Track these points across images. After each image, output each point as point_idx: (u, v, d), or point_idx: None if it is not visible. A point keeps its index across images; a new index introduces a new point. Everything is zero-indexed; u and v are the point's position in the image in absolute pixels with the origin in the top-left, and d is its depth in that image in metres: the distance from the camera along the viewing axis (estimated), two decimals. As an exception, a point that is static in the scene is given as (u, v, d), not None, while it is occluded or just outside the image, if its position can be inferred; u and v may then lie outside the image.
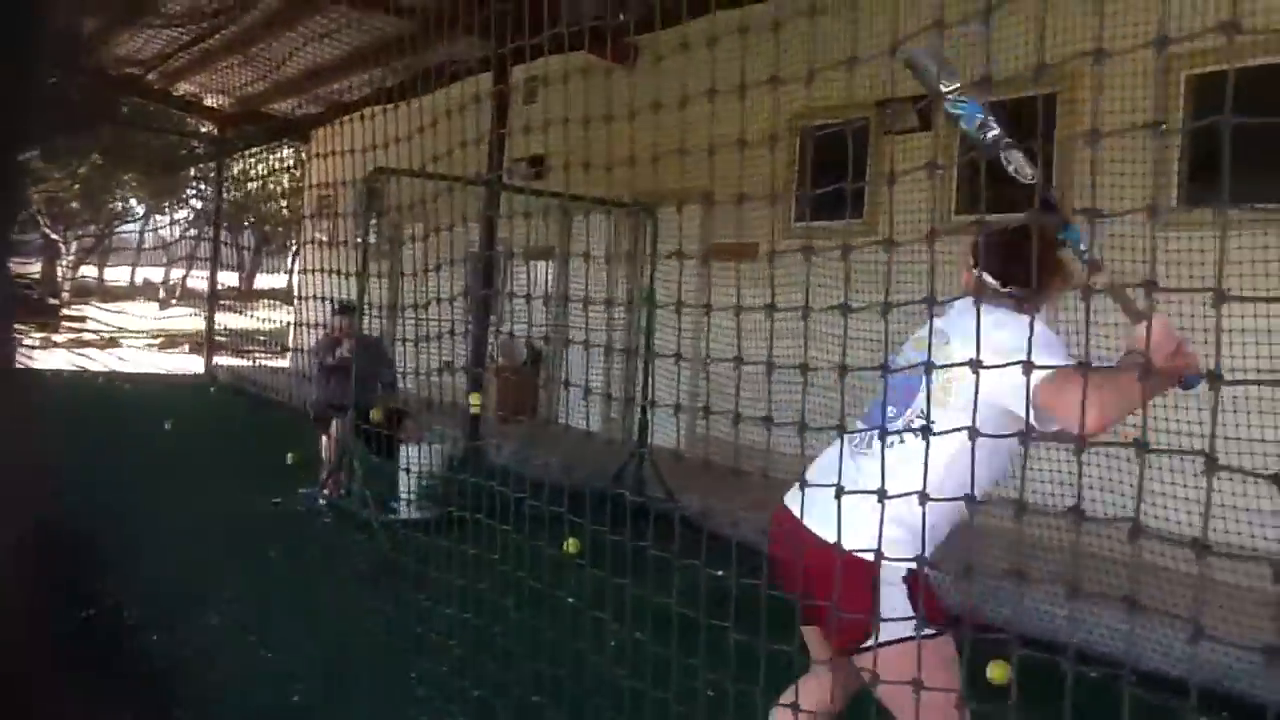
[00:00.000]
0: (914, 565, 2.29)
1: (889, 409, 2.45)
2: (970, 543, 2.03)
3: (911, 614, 2.26)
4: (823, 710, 2.57)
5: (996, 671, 3.76)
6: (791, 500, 2.47)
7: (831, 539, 2.18)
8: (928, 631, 2.24)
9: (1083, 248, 2.39)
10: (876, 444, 2.36)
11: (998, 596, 4.45)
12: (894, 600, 2.29)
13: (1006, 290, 2.51)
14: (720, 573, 2.20)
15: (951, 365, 2.16)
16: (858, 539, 2.15)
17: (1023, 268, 2.45)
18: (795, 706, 2.29)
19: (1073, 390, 1.92)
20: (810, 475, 2.41)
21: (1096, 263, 2.32)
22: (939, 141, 7.56)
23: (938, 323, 2.44)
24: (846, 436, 2.38)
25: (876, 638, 2.17)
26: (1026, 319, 2.02)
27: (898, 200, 7.40)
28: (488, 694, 2.98)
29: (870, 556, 2.11)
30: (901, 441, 2.36)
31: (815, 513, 2.35)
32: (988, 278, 2.54)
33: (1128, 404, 2.08)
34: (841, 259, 2.07)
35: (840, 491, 2.10)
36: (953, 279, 2.71)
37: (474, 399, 7.98)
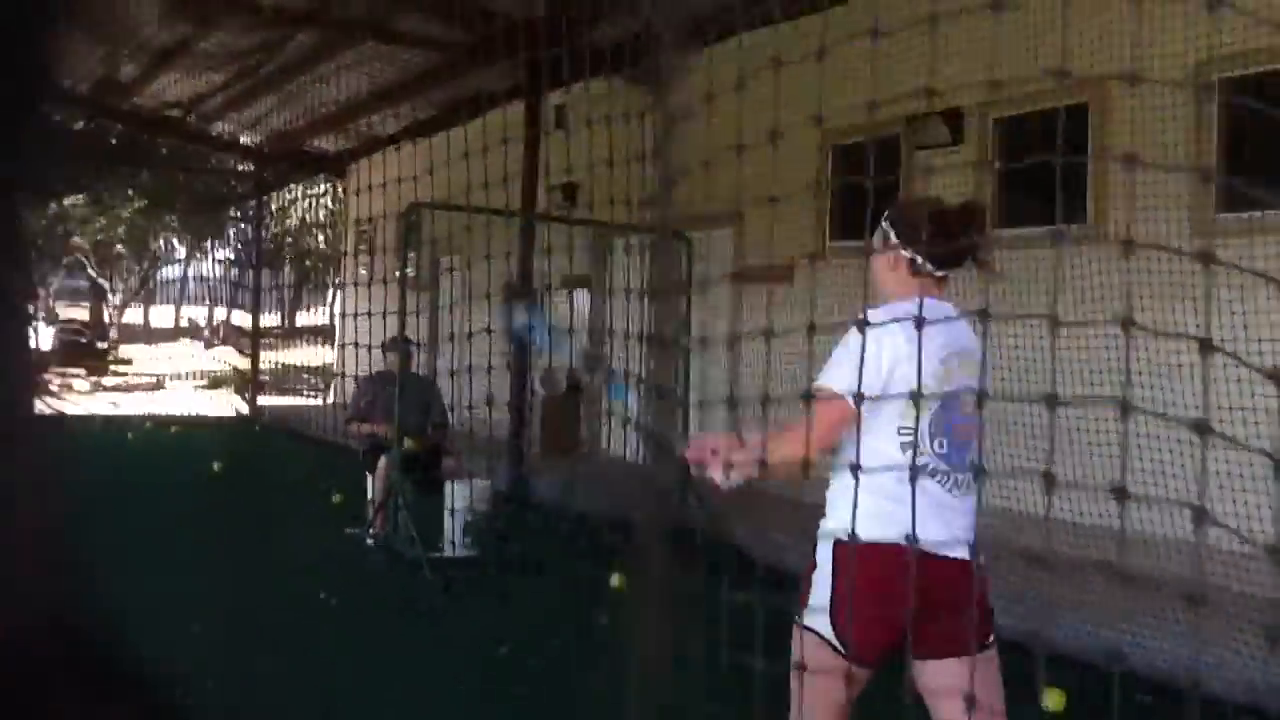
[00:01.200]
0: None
1: (973, 445, 2.42)
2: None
3: None
4: None
5: (1052, 699, 3.70)
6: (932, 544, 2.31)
7: (967, 556, 2.32)
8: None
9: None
10: (971, 484, 2.39)
11: (1057, 620, 4.38)
12: None
13: (941, 274, 2.47)
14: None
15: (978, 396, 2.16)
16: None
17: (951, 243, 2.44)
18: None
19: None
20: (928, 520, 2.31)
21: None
22: (971, 154, 7.51)
23: (961, 339, 2.43)
24: (928, 478, 2.36)
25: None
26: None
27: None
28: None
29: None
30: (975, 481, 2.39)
31: (957, 546, 2.34)
32: (920, 259, 2.46)
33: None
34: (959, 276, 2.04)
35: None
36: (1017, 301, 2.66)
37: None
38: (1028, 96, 6.29)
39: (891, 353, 2.30)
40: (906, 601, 2.10)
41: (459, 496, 6.60)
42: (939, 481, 2.39)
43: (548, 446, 10.88)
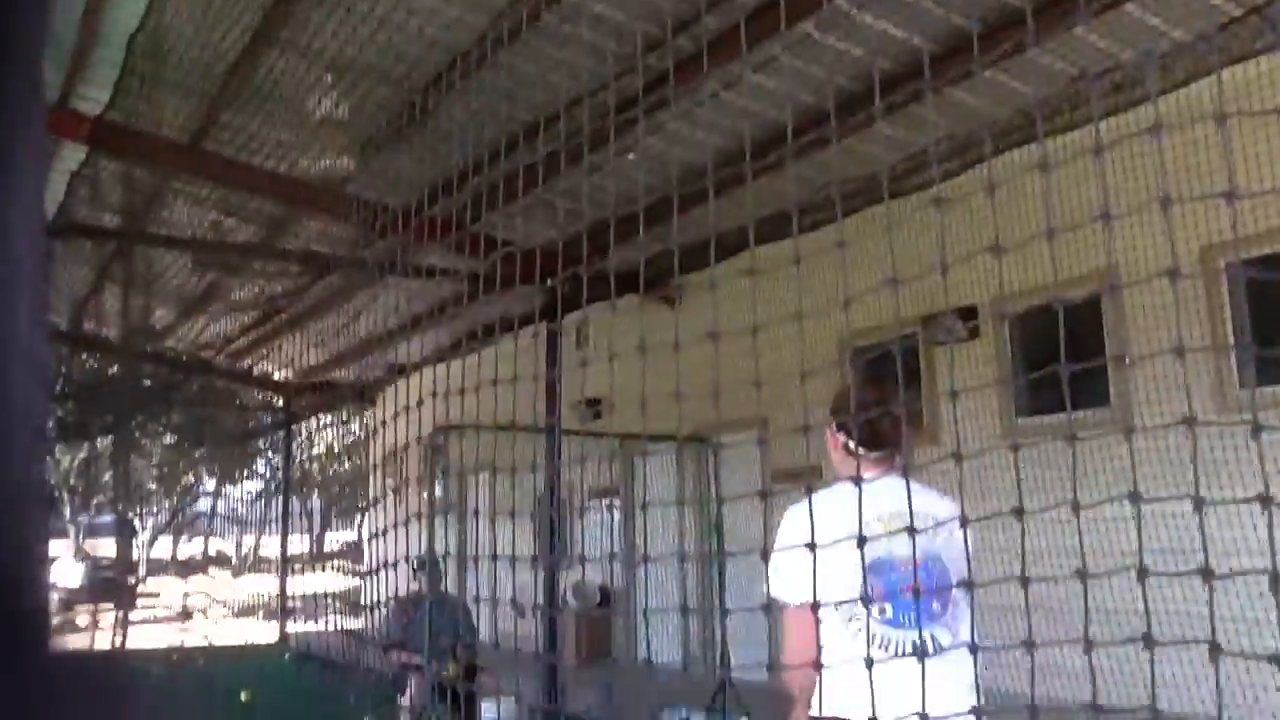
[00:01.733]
0: None
1: (944, 607, 2.45)
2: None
3: None
4: None
5: None
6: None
7: None
8: None
9: None
10: (945, 647, 2.35)
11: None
12: None
13: (875, 454, 2.57)
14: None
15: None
16: None
17: (884, 427, 2.57)
18: None
19: None
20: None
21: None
22: (988, 348, 7.61)
23: (898, 505, 2.29)
24: (879, 650, 2.39)
25: None
26: None
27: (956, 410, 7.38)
28: None
29: None
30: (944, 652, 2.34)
31: None
32: (849, 441, 2.60)
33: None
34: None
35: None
36: (1043, 489, 2.67)
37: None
38: (1041, 289, 6.43)
39: (818, 535, 2.24)
40: None
41: (494, 717, 6.44)
42: (894, 651, 2.37)
43: (581, 656, 10.66)
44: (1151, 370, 6.18)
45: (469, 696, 6.69)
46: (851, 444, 2.58)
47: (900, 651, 2.38)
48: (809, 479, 2.40)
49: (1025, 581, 1.74)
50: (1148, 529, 2.04)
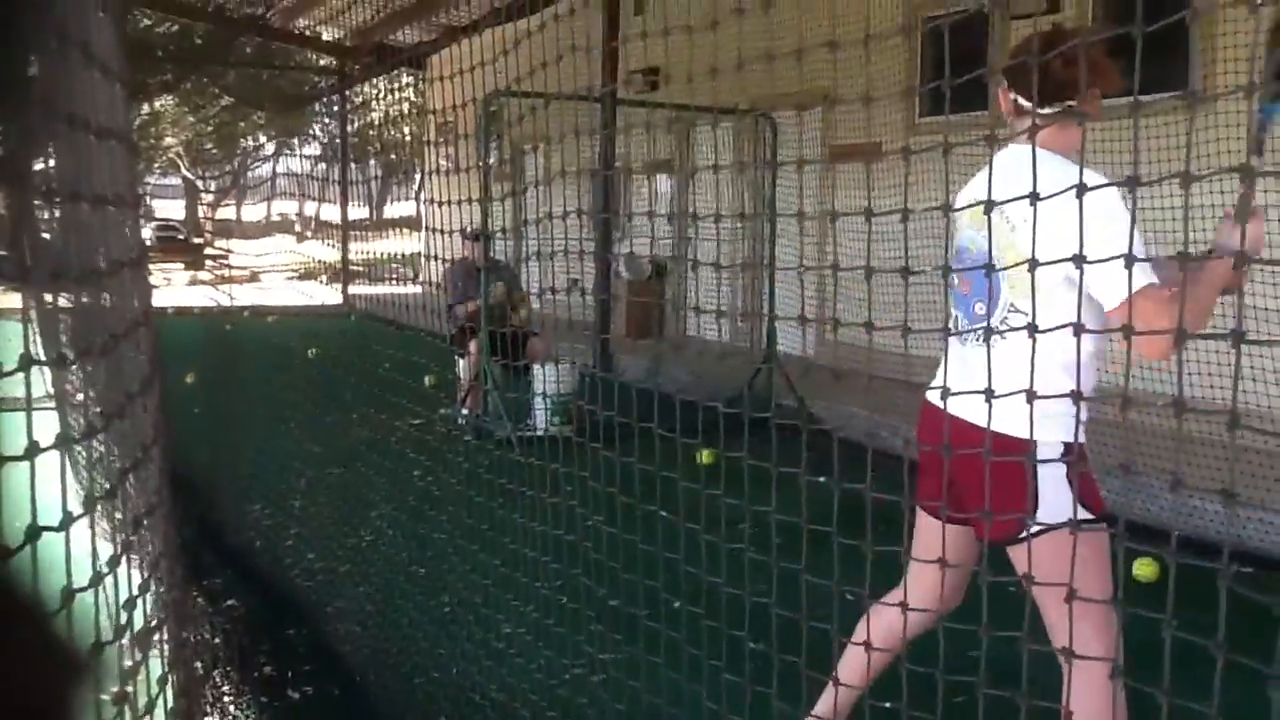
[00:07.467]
0: (1070, 442, 2.14)
1: (977, 305, 2.32)
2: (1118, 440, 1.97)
3: (1069, 500, 2.05)
4: (934, 611, 2.45)
5: (1144, 569, 3.67)
6: (934, 395, 2.36)
7: (981, 423, 1.87)
8: (1085, 517, 2.08)
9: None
10: (980, 342, 2.24)
11: (1147, 492, 4.34)
12: (1052, 485, 2.12)
13: (1036, 109, 2.07)
14: (864, 485, 2.13)
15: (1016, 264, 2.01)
16: (1010, 422, 1.93)
17: (1058, 73, 2.10)
18: (904, 605, 2.10)
19: (1156, 317, 1.91)
20: (948, 372, 2.39)
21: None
22: (1070, 20, 7.20)
23: (986, 190, 1.88)
24: (956, 335, 2.35)
25: (1030, 527, 2.02)
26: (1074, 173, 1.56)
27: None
28: (624, 603, 3.05)
29: (1025, 435, 1.87)
30: (1003, 338, 2.14)
31: (961, 402, 2.01)
32: (1017, 98, 2.26)
33: (1197, 323, 2.03)
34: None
35: (990, 394, 1.68)
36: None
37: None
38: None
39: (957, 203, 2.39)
40: (922, 449, 2.35)
41: (546, 378, 6.74)
42: (960, 337, 2.35)
43: (631, 330, 10.96)
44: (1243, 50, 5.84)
45: (524, 360, 7.00)
46: (1017, 98, 2.28)
47: (961, 340, 2.35)
48: (869, 156, 2.33)
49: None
50: None
